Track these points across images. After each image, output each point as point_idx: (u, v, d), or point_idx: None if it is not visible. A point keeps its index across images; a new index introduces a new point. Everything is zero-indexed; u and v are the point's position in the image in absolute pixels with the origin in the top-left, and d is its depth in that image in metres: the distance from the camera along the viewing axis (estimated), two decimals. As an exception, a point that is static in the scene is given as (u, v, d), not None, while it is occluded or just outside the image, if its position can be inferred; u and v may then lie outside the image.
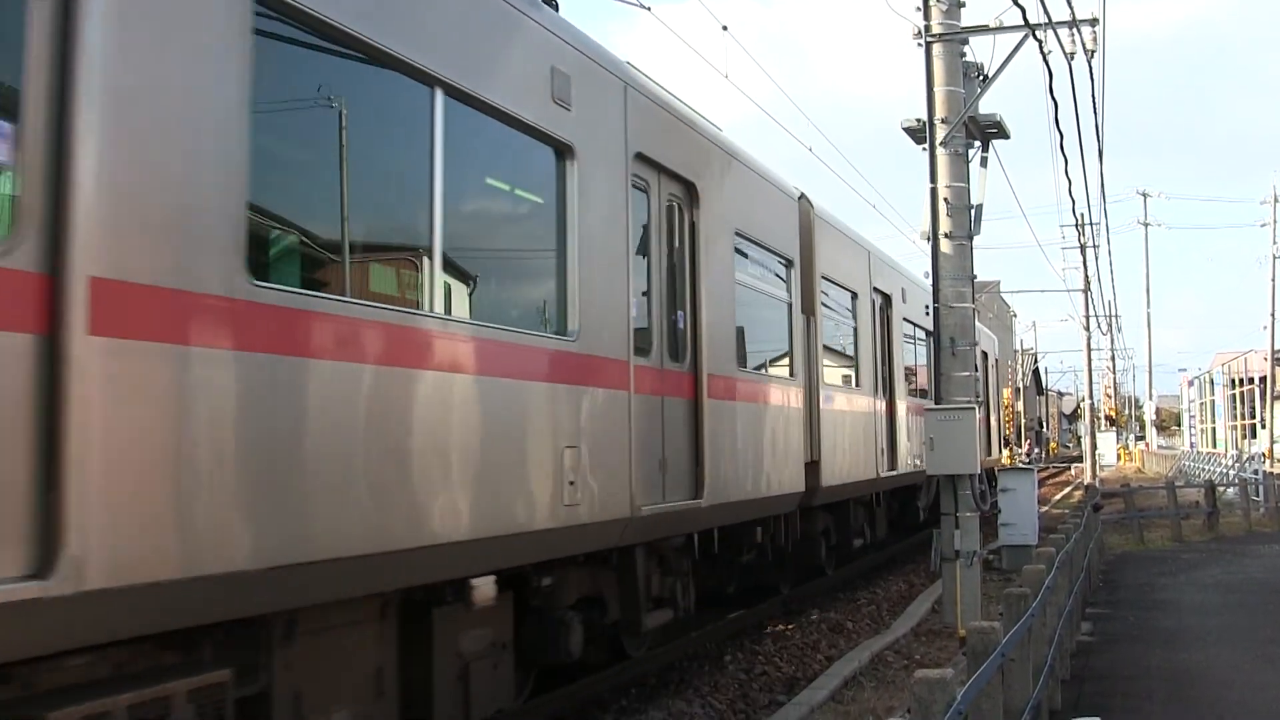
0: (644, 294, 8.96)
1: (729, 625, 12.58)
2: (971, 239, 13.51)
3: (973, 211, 13.55)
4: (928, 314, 19.67)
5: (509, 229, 7.84)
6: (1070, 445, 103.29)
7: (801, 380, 12.83)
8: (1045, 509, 28.28)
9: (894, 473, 17.38)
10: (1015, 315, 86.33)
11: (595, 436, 7.79)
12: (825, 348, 14.08)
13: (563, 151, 7.66)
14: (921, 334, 20.45)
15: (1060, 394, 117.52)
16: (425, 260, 6.40)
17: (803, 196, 13.58)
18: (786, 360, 12.74)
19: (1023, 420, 77.08)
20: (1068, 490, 42.28)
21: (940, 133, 13.23)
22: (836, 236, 15.08)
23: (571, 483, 7.38)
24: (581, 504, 7.53)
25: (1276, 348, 40.86)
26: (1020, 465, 34.72)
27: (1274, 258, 42.30)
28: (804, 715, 8.98)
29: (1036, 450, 77.89)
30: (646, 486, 8.54)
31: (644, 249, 9.01)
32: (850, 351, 15.92)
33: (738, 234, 10.91)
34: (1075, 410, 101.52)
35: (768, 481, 11.40)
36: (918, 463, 18.45)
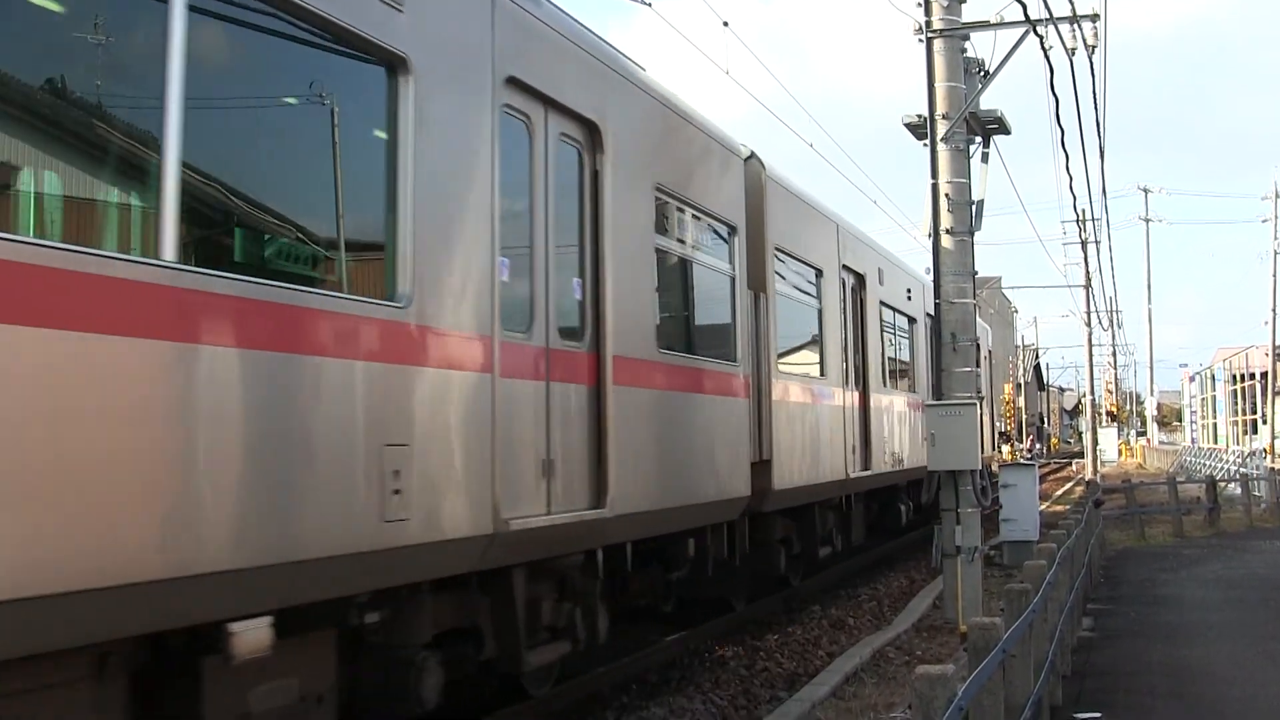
0: (521, 254, 7.24)
1: (724, 623, 12.57)
2: (972, 235, 13.51)
3: (974, 207, 13.56)
4: (910, 299, 18.96)
5: (304, 157, 6.08)
6: (1071, 441, 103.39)
7: (747, 367, 11.03)
8: (1046, 505, 28.30)
9: (868, 473, 15.76)
10: (1016, 311, 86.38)
11: (435, 432, 6.18)
12: (781, 331, 12.44)
13: (393, 66, 6.03)
14: (903, 321, 19.28)
15: (1062, 390, 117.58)
16: (148, 187, 4.81)
17: (753, 156, 12.03)
18: (727, 343, 10.84)
19: (1024, 416, 77.22)
20: (1069, 486, 42.28)
21: (941, 128, 13.23)
22: (795, 205, 13.38)
23: (397, 491, 5.78)
24: (412, 518, 5.90)
25: (1278, 343, 40.82)
26: (1022, 461, 34.73)
27: (1275, 253, 42.28)
28: (805, 711, 8.98)
29: (1038, 446, 78.00)
30: (519, 494, 6.88)
31: (521, 198, 7.30)
32: (813, 336, 14.14)
33: (660, 190, 9.22)
34: (1076, 406, 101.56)
35: (700, 486, 9.79)
36: (901, 461, 17.56)
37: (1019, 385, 76.11)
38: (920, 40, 13.33)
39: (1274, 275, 41.89)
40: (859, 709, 9.17)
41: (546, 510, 7.24)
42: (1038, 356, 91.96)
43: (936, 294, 13.48)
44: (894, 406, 17.66)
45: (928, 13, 13.24)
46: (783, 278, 12.66)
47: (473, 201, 6.65)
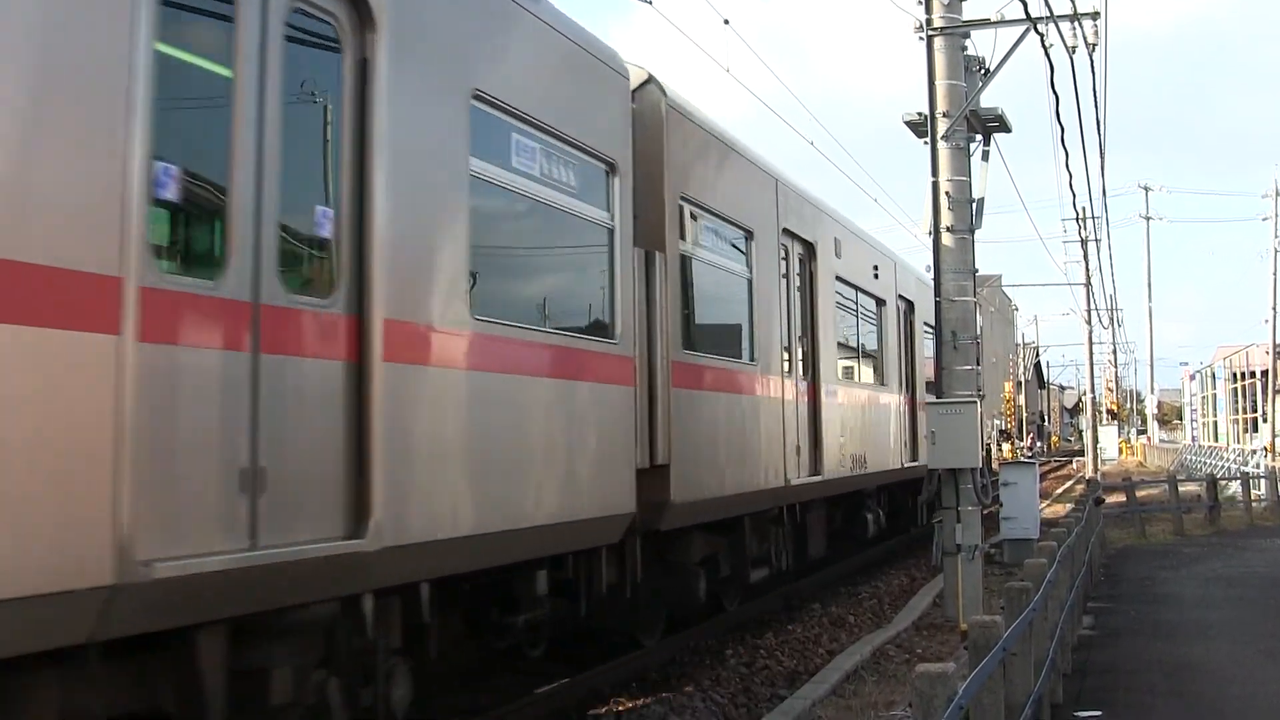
0: (207, 160, 5.14)
1: (727, 620, 12.57)
2: (973, 232, 13.52)
3: (974, 205, 13.57)
4: (877, 277, 16.76)
5: None
6: (1072, 439, 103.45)
7: (633, 347, 8.68)
8: (1046, 503, 28.30)
9: (818, 478, 13.25)
10: (1017, 309, 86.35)
11: None
12: (691, 304, 10.24)
13: None
14: (869, 303, 16.77)
15: (1062, 388, 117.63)
16: None
17: (650, 82, 9.56)
18: (600, 314, 8.54)
19: (1024, 414, 77.24)
20: (1069, 484, 42.29)
21: (942, 126, 13.23)
22: (714, 148, 10.91)
23: None
24: None
25: (1278, 342, 40.81)
26: (1022, 459, 34.74)
27: (1275, 252, 42.28)
28: (805, 709, 8.98)
29: (1038, 444, 78.03)
30: (186, 521, 4.73)
31: (210, 84, 5.18)
32: (740, 313, 11.53)
33: (483, 99, 6.91)
34: (1077, 404, 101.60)
35: (547, 501, 7.47)
36: (864, 464, 15.33)
37: (1019, 383, 76.15)
38: (921, 38, 13.34)
39: (1274, 273, 41.90)
40: (859, 707, 9.17)
41: (249, 544, 4.99)
42: (1038, 355, 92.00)
43: (937, 292, 13.47)
44: (855, 401, 15.18)
45: (928, 11, 13.24)
46: (693, 237, 10.20)
47: (68, 63, 4.34)
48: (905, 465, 18.05)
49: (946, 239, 13.33)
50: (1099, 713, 8.41)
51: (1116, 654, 10.78)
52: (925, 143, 13.49)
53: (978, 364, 13.91)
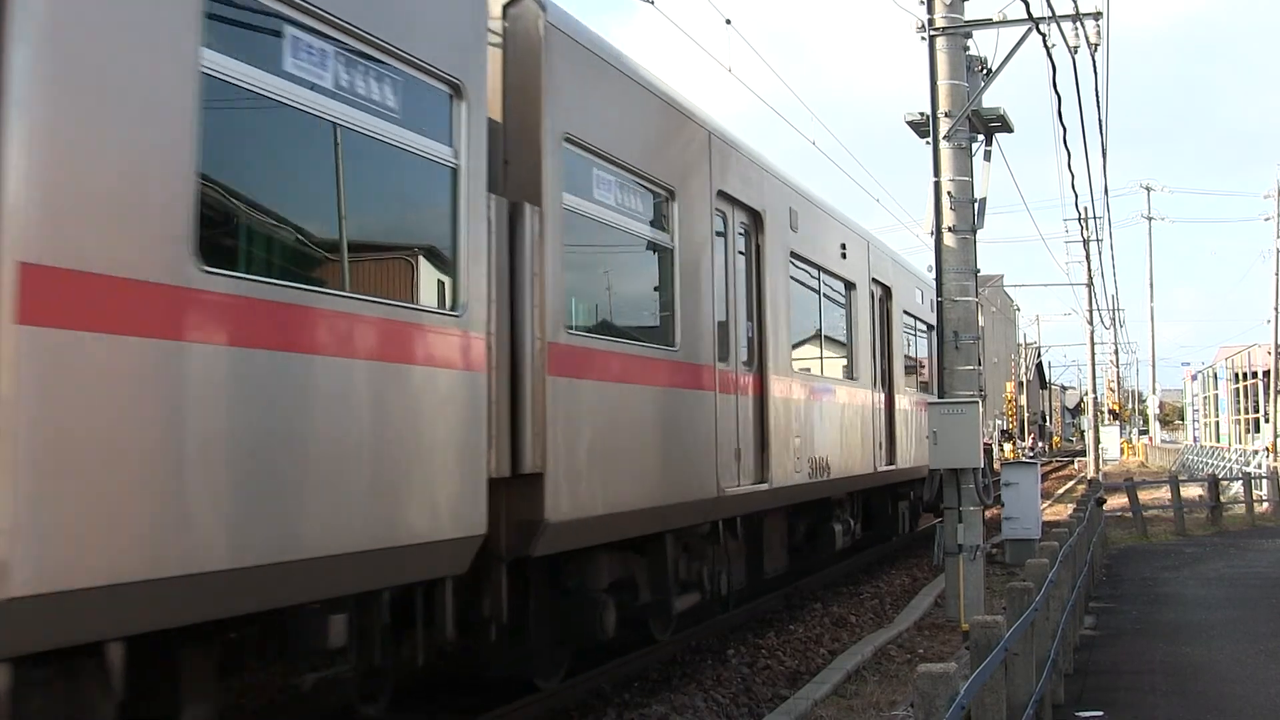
0: None
1: (729, 620, 12.57)
2: (975, 233, 13.51)
3: (976, 205, 13.56)
4: (845, 256, 14.68)
5: None
6: (1073, 439, 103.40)
7: (482, 321, 6.75)
8: (1048, 504, 28.29)
9: (764, 487, 11.16)
10: (1019, 309, 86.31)
11: None
12: (579, 272, 8.45)
13: None
14: (835, 285, 14.72)
15: (1064, 388, 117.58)
16: None
17: None
18: (435, 277, 6.76)
19: (1026, 414, 77.21)
20: (1071, 484, 42.27)
21: (944, 126, 13.22)
22: (614, 82, 8.83)
23: None
24: None
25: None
26: (1024, 459, 34.74)
27: (1277, 252, 42.22)
28: (807, 709, 8.98)
29: (1039, 444, 78.02)
30: None
31: None
32: (657, 290, 9.65)
33: None
34: (1079, 404, 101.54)
35: (335, 525, 5.58)
36: (827, 469, 13.37)
37: (1021, 383, 76.11)
38: (923, 38, 13.34)
39: (1276, 274, 41.83)
40: (861, 707, 9.18)
41: None
42: (1040, 355, 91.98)
43: (939, 292, 13.47)
44: (816, 398, 13.21)
45: (930, 10, 13.24)
46: (586, 190, 8.28)
47: None
48: (880, 469, 16.17)
49: (949, 239, 13.33)
50: (1101, 713, 8.41)
51: (1118, 654, 10.78)
52: (927, 143, 13.50)
53: (979, 364, 13.90)
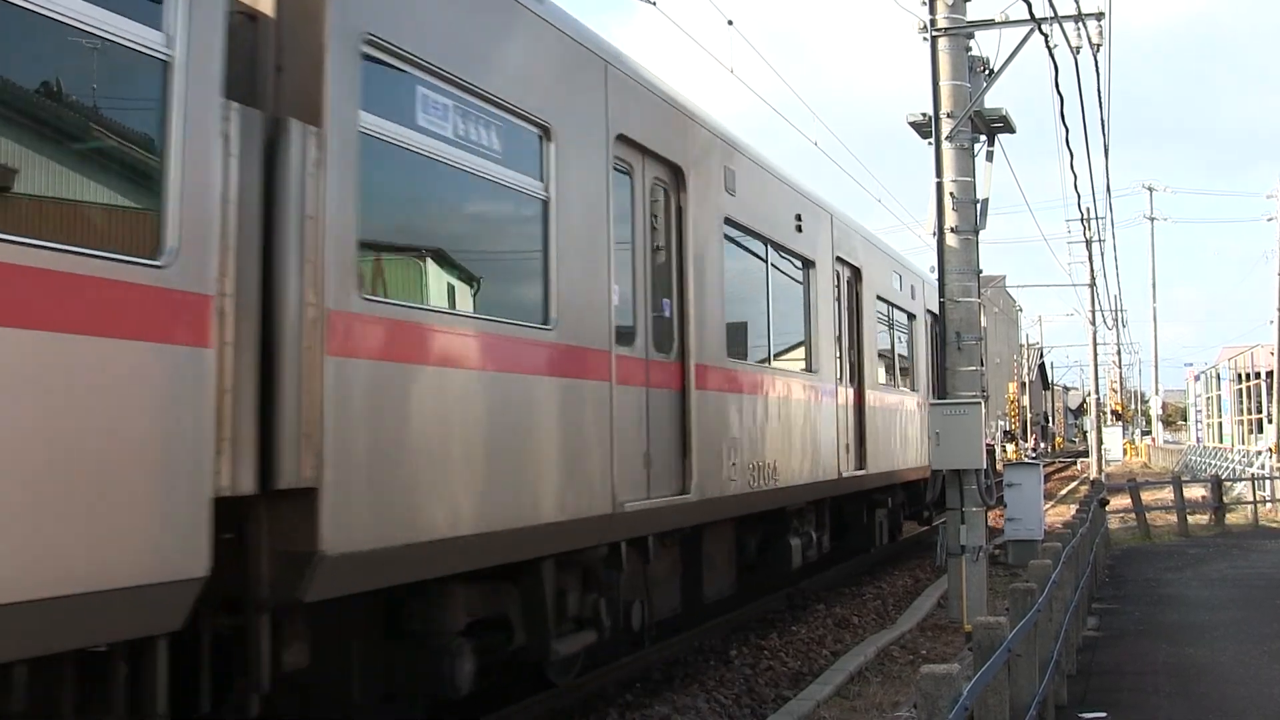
0: None
1: (731, 620, 12.56)
2: (977, 233, 13.50)
3: (978, 206, 13.55)
4: (801, 229, 12.79)
5: None
6: (1076, 440, 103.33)
7: (206, 277, 5.01)
8: (1051, 505, 28.27)
9: (681, 499, 9.24)
10: (1021, 310, 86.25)
11: None
12: (391, 213, 6.58)
13: None
14: (789, 264, 12.79)
15: (1066, 388, 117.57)
16: None
17: None
18: (123, 208, 5.07)
19: (1028, 415, 77.19)
20: (1074, 485, 42.24)
21: (946, 127, 13.21)
22: None
23: None
24: None
25: (1283, 342, 40.68)
26: (1026, 460, 34.72)
27: (1279, 252, 42.18)
28: (810, 710, 8.97)
29: (1042, 445, 77.97)
30: None
31: None
32: (522, 251, 7.71)
33: None
34: (1081, 405, 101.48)
35: None
36: (774, 476, 11.31)
37: (1023, 384, 76.06)
38: (925, 39, 13.32)
39: (1278, 274, 41.78)
40: (864, 708, 9.18)
41: None
42: (1042, 355, 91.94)
43: (941, 293, 13.45)
44: (764, 393, 11.41)
45: (932, 11, 13.23)
46: (396, 111, 6.31)
47: None
48: (847, 475, 14.15)
49: (951, 240, 13.31)
50: (1104, 714, 8.40)
51: (1121, 655, 10.77)
52: (929, 143, 13.49)
53: (982, 364, 13.89)
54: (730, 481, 10.23)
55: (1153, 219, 60.61)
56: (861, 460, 15.00)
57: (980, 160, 13.89)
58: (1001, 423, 53.16)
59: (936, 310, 14.78)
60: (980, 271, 13.78)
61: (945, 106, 13.24)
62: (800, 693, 9.62)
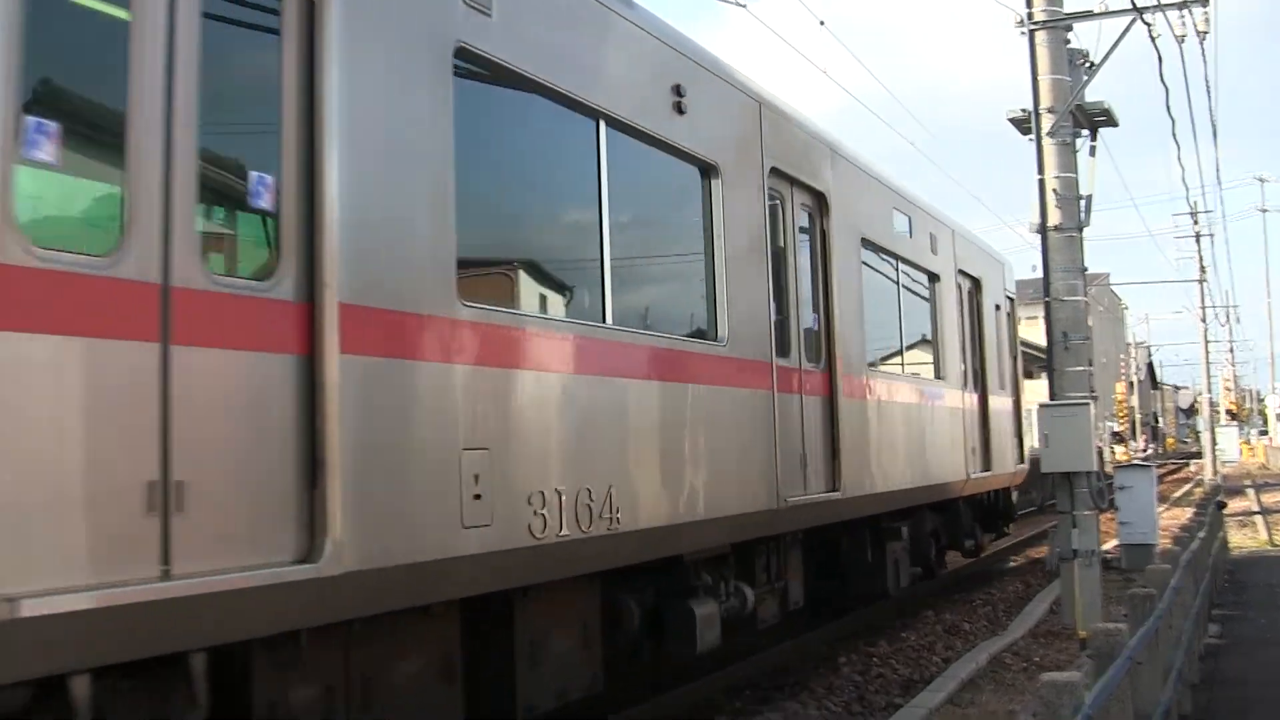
0: None
1: (839, 628, 12.45)
2: (1081, 230, 13.20)
3: (1082, 202, 13.24)
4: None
5: None
6: (1189, 441, 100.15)
7: None
8: (1164, 507, 27.44)
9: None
10: (1126, 308, 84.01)
11: None
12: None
13: None
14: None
15: (1176, 388, 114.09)
16: None
17: None
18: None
19: (1137, 415, 75.04)
20: (1188, 487, 40.93)
21: (1046, 123, 12.95)
22: None
23: None
24: None
25: None
26: (1137, 462, 33.78)
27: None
28: (922, 718, 8.85)
29: (1152, 445, 75.71)
30: None
31: None
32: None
33: None
34: (1192, 404, 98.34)
35: None
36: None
37: (1131, 384, 73.99)
38: (1022, 33, 13.09)
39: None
40: (977, 716, 9.02)
41: None
42: (1150, 354, 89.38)
43: (1046, 292, 13.17)
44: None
45: (1029, 4, 12.99)
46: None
47: None
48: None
49: (1054, 237, 13.03)
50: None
51: (1246, 664, 10.41)
52: (1030, 140, 13.23)
53: (1089, 364, 13.55)
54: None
55: (1264, 211, 58.61)
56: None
57: (1083, 155, 13.59)
58: (1110, 424, 51.82)
59: (980, 274, 15.36)
60: (1085, 269, 13.47)
61: (1045, 101, 12.98)
62: (912, 700, 9.49)
